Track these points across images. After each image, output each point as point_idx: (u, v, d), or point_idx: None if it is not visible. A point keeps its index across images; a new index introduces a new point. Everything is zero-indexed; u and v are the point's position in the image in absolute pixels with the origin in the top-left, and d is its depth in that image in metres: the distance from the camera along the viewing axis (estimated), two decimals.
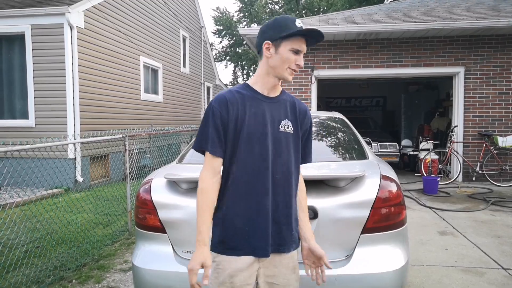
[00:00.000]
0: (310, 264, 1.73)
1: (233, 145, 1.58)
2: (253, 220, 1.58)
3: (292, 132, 1.66)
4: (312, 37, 1.59)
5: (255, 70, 40.57)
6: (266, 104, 1.62)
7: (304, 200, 1.77)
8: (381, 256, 2.13)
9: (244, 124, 1.57)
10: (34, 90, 7.81)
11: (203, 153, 1.61)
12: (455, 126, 8.40)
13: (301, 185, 1.78)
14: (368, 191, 2.16)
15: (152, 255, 2.27)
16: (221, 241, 1.60)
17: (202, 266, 1.48)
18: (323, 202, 2.12)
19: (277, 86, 1.65)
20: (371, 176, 2.25)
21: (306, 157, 1.78)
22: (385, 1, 21.62)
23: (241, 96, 1.60)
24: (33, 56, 7.79)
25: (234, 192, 1.59)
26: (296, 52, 1.57)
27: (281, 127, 1.63)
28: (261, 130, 1.59)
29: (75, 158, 7.67)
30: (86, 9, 8.12)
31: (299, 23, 1.56)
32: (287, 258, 1.66)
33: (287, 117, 1.66)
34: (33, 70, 7.80)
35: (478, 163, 8.18)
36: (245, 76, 42.11)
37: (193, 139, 3.19)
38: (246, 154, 1.57)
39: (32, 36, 7.77)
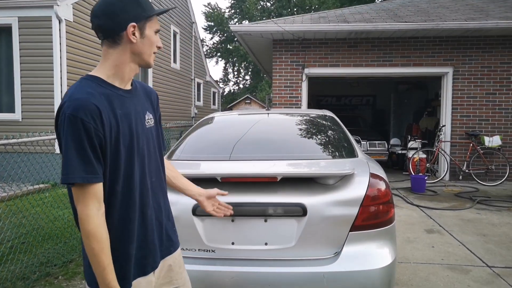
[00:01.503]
0: (215, 209, 1.77)
1: (112, 161, 1.28)
2: (142, 240, 1.39)
3: (153, 125, 1.47)
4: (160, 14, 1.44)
5: (246, 67, 40.60)
6: (128, 100, 1.36)
7: (175, 171, 1.73)
8: (369, 253, 2.14)
9: (119, 134, 1.28)
10: (21, 84, 7.69)
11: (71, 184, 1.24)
12: (443, 126, 8.50)
13: (169, 165, 1.70)
14: (357, 189, 2.17)
15: None
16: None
17: None
18: (312, 200, 2.13)
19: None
20: (360, 174, 2.27)
21: (163, 143, 1.60)
22: (376, 0, 21.74)
23: (105, 97, 1.27)
24: (20, 49, 7.67)
25: (120, 215, 1.32)
26: (157, 32, 1.39)
27: (147, 122, 1.43)
28: (135, 134, 1.34)
29: None
30: (75, 2, 8.01)
31: None
32: (176, 255, 1.58)
33: (148, 110, 1.46)
34: (20, 63, 7.67)
35: (465, 163, 8.30)
36: (235, 73, 41.98)
37: (183, 135, 3.17)
38: (127, 168, 1.31)
39: (19, 28, 7.64)
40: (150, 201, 1.42)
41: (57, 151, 7.47)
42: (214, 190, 1.77)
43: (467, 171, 8.24)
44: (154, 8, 1.39)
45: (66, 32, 7.71)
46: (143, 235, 1.40)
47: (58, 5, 7.40)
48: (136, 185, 1.35)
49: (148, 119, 1.44)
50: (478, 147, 8.16)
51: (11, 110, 7.78)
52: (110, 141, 1.26)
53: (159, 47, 1.40)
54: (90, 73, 1.34)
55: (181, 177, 1.75)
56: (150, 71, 11.70)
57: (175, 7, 1.52)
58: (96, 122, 1.22)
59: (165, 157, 1.68)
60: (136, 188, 1.35)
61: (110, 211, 1.30)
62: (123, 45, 1.32)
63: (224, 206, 1.82)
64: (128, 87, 1.40)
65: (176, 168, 1.75)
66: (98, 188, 1.24)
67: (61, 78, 7.61)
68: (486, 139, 8.12)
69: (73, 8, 7.93)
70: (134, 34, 1.32)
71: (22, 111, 7.70)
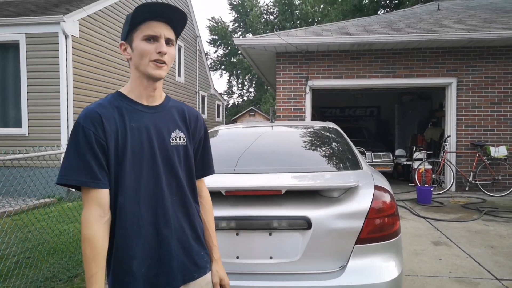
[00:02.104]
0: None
1: (116, 172, 1.29)
2: (158, 257, 1.35)
3: (185, 143, 1.44)
4: (166, 16, 1.32)
5: (250, 79, 40.87)
6: (149, 115, 1.36)
7: (210, 215, 1.59)
8: (375, 267, 2.12)
9: (127, 145, 1.29)
10: (28, 99, 7.78)
11: (77, 189, 1.28)
12: (448, 136, 8.46)
13: (206, 197, 1.60)
14: (362, 202, 2.16)
15: None
16: None
17: None
18: (317, 213, 2.12)
19: (156, 92, 1.39)
20: (365, 186, 2.26)
21: (207, 169, 1.58)
22: (378, 12, 21.91)
23: (116, 109, 1.31)
24: (27, 65, 7.78)
25: (124, 228, 1.29)
26: (151, 38, 1.31)
27: (172, 140, 1.40)
28: (148, 149, 1.33)
29: None
30: (81, 18, 8.15)
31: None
32: (202, 282, 1.48)
33: (178, 127, 1.43)
34: (27, 78, 7.78)
35: (471, 173, 8.23)
36: (239, 85, 42.24)
37: None
38: (133, 181, 1.30)
39: (26, 44, 7.77)
40: (170, 220, 1.37)
41: None
42: (216, 280, 1.55)
43: (473, 181, 8.17)
44: (139, 17, 1.33)
45: (72, 47, 7.83)
46: (156, 253, 1.34)
47: (64, 21, 7.53)
48: (145, 200, 1.32)
49: (174, 136, 1.41)
50: (484, 158, 8.11)
51: (18, 125, 7.86)
52: (116, 151, 1.28)
53: (159, 53, 1.31)
54: (119, 89, 1.42)
55: (211, 227, 1.58)
56: None
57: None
58: (97, 129, 1.25)
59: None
60: (145, 203, 1.32)
61: (114, 222, 1.30)
62: (130, 63, 1.37)
63: None
64: (154, 103, 1.40)
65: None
66: (101, 194, 1.25)
67: (67, 93, 7.70)
68: (492, 149, 8.07)
69: (79, 24, 8.07)
70: (126, 50, 1.36)
71: (28, 126, 7.78)
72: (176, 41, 1.43)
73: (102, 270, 1.24)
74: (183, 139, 1.43)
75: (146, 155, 1.33)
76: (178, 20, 1.36)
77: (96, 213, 1.24)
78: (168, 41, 1.35)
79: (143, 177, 1.32)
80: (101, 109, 1.29)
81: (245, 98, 43.86)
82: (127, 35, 1.34)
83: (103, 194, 1.26)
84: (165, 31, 1.33)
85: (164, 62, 1.33)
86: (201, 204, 1.57)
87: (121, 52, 1.39)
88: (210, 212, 1.60)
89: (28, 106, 7.78)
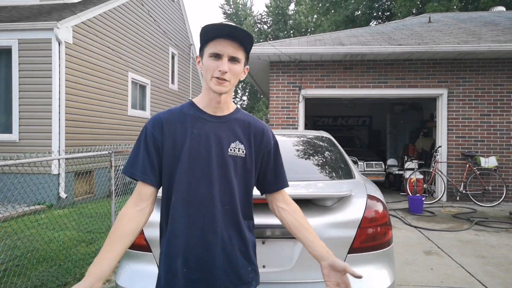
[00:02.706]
0: (333, 286, 1.41)
1: (171, 172, 1.39)
2: (200, 261, 1.38)
3: (244, 155, 1.45)
4: (232, 35, 1.36)
5: (243, 87, 40.98)
6: (212, 124, 1.44)
7: (303, 219, 1.55)
8: (367, 276, 2.13)
9: (184, 148, 1.38)
10: (19, 105, 7.71)
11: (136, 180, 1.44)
12: (439, 147, 8.55)
13: (293, 206, 1.59)
14: (354, 211, 2.18)
15: (137, 274, 2.22)
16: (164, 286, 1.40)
17: None
18: (310, 222, 2.10)
19: (221, 104, 1.45)
20: (358, 195, 2.27)
21: (282, 182, 1.58)
22: (371, 23, 22.20)
23: (182, 116, 1.43)
24: (19, 70, 7.72)
25: (174, 228, 1.39)
26: (216, 56, 1.36)
27: (230, 150, 1.43)
28: (205, 155, 1.39)
29: (59, 174, 7.53)
30: (75, 25, 8.13)
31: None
32: None
33: (238, 139, 1.46)
34: (19, 84, 7.71)
35: (462, 183, 8.31)
36: (233, 93, 42.21)
37: None
38: (186, 184, 1.38)
39: (19, 50, 7.72)
40: (217, 227, 1.39)
41: (54, 172, 7.43)
42: (342, 264, 1.38)
43: (464, 191, 8.24)
44: (210, 34, 1.38)
45: (66, 54, 7.79)
46: (199, 258, 1.38)
47: (58, 28, 7.51)
48: (195, 202, 1.38)
49: (233, 147, 1.44)
50: (474, 168, 8.20)
51: (9, 130, 7.78)
52: (173, 152, 1.39)
53: (220, 71, 1.35)
54: None
55: (305, 229, 1.51)
56: (148, 91, 11.79)
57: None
58: (156, 131, 1.40)
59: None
60: (194, 206, 1.38)
61: (167, 219, 1.43)
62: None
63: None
64: (220, 113, 1.46)
65: None
66: (144, 188, 1.40)
67: (59, 99, 7.65)
68: (482, 160, 8.16)
69: (73, 30, 8.05)
70: (199, 63, 1.45)
71: (19, 132, 7.70)
72: (246, 59, 1.46)
73: (114, 244, 1.32)
74: (243, 151, 1.46)
75: (202, 160, 1.39)
76: (245, 38, 1.38)
77: (132, 200, 1.40)
78: (233, 59, 1.38)
79: (196, 181, 1.39)
80: (166, 114, 1.44)
81: (238, 106, 43.82)
82: (201, 50, 1.43)
83: (146, 188, 1.40)
84: (230, 50, 1.36)
85: (225, 80, 1.37)
86: (291, 211, 1.56)
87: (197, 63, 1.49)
88: (303, 217, 1.56)
89: (19, 112, 7.71)
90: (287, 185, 1.61)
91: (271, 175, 1.56)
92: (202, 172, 1.39)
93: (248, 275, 1.47)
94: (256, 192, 2.25)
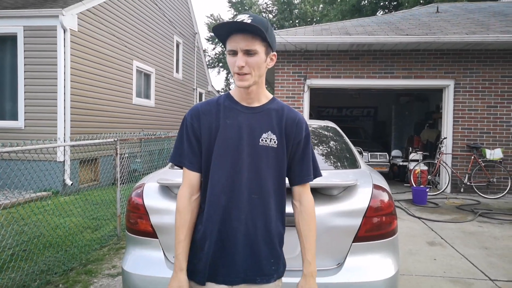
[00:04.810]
0: None
1: (207, 160, 1.46)
2: (223, 245, 1.44)
3: (275, 146, 1.46)
4: (242, 29, 1.35)
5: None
6: (245, 115, 1.46)
7: (306, 224, 1.54)
8: (372, 265, 2.14)
9: (218, 137, 1.44)
10: (25, 92, 7.73)
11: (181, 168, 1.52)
12: (444, 138, 8.51)
13: (304, 205, 1.55)
14: (360, 200, 2.18)
15: (143, 260, 2.25)
16: (191, 269, 1.46)
17: None
18: (315, 210, 2.13)
19: (252, 95, 1.46)
20: (364, 185, 2.27)
21: (306, 175, 1.54)
22: (377, 13, 21.95)
23: (217, 106, 1.49)
24: (24, 58, 7.73)
25: (206, 213, 1.45)
26: (233, 52, 1.38)
27: (262, 140, 1.44)
28: (236, 144, 1.43)
29: (64, 161, 7.58)
30: (80, 12, 8.10)
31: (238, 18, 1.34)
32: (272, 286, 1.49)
33: (271, 129, 1.47)
34: (24, 71, 7.73)
35: (467, 175, 8.29)
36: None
37: None
38: (218, 170, 1.43)
39: (24, 37, 7.71)
40: (241, 215, 1.43)
41: (59, 159, 7.48)
42: None
43: (468, 183, 8.23)
44: (223, 32, 1.38)
45: (71, 41, 7.78)
46: (222, 243, 1.44)
47: (63, 15, 7.48)
48: (224, 188, 1.43)
49: (265, 137, 1.46)
50: (479, 160, 8.16)
51: (14, 117, 7.81)
52: (208, 141, 1.45)
53: (237, 66, 1.37)
54: None
55: (303, 238, 1.54)
56: (152, 80, 11.78)
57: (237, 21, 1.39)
58: (194, 120, 1.48)
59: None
60: (223, 192, 1.43)
61: (202, 204, 1.49)
62: None
63: None
64: (253, 104, 1.49)
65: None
66: (192, 176, 1.48)
67: (64, 86, 7.66)
68: (488, 151, 8.12)
69: (78, 18, 8.02)
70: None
71: (25, 119, 7.73)
72: (267, 47, 1.42)
73: (188, 238, 1.45)
74: (274, 142, 1.46)
75: (233, 149, 1.43)
76: (255, 29, 1.34)
77: (187, 191, 1.47)
78: (248, 52, 1.37)
79: (227, 168, 1.43)
80: (203, 105, 1.51)
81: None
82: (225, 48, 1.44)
83: (194, 176, 1.48)
84: (242, 44, 1.35)
85: (245, 73, 1.38)
86: (300, 212, 1.55)
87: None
88: (309, 222, 1.54)
89: (25, 99, 7.73)
90: (319, 175, 1.59)
91: (299, 166, 1.54)
92: (232, 160, 1.43)
93: (270, 267, 1.47)
94: None
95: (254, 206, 1.44)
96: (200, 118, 1.47)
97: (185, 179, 1.49)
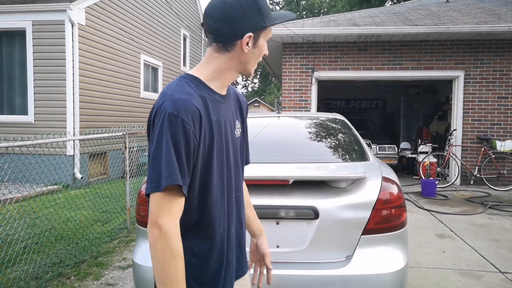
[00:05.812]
0: (256, 262, 1.52)
1: (205, 172, 1.16)
2: (220, 255, 1.24)
3: (240, 135, 1.35)
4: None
5: (254, 70, 40.72)
6: (223, 106, 1.25)
7: (248, 197, 1.52)
8: (381, 257, 2.14)
9: (213, 141, 1.17)
10: (34, 86, 7.80)
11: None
12: (454, 130, 8.42)
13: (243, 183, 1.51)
14: (369, 193, 2.17)
15: None
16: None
17: None
18: (324, 203, 2.13)
19: None
20: (373, 177, 2.27)
21: (247, 158, 1.46)
22: (386, 4, 21.68)
23: (202, 100, 1.15)
24: (33, 52, 7.78)
25: (206, 231, 1.20)
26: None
27: (236, 132, 1.30)
28: (225, 143, 1.23)
29: (74, 155, 7.66)
30: (88, 6, 8.12)
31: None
32: (247, 275, 1.45)
33: (237, 118, 1.33)
34: (33, 66, 7.79)
35: (476, 167, 8.21)
36: (244, 77, 42.06)
37: None
38: (218, 181, 1.20)
39: (33, 32, 7.76)
40: (233, 218, 1.29)
41: (69, 153, 7.56)
42: (265, 251, 1.49)
43: (478, 175, 8.15)
44: (272, 15, 1.23)
45: (79, 35, 7.81)
46: (223, 253, 1.25)
47: (71, 9, 7.50)
48: (224, 198, 1.23)
49: (237, 128, 1.31)
50: (489, 152, 8.08)
51: (24, 112, 7.90)
52: (204, 150, 1.14)
53: (265, 55, 1.27)
54: (190, 73, 1.22)
55: (249, 207, 1.50)
56: (160, 73, 11.80)
57: (294, 18, 1.33)
58: (195, 126, 1.10)
59: None
60: (224, 202, 1.23)
61: (199, 225, 1.21)
62: (232, 53, 1.20)
63: (264, 273, 1.52)
64: (224, 92, 1.26)
65: None
66: (183, 200, 1.11)
67: (73, 80, 7.71)
68: (498, 143, 8.03)
69: (85, 12, 8.04)
70: (247, 44, 1.19)
71: (34, 113, 7.81)
72: None
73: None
74: (240, 131, 1.34)
75: (224, 150, 1.22)
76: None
77: (177, 217, 1.10)
78: None
79: (224, 176, 1.23)
80: (196, 101, 1.11)
81: (250, 89, 43.72)
82: (258, 29, 1.20)
83: (183, 200, 1.12)
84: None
85: None
86: (244, 188, 1.52)
87: (239, 42, 1.19)
88: (247, 196, 1.52)
89: (34, 93, 7.80)
90: (249, 162, 1.49)
91: (245, 149, 1.44)
92: (227, 164, 1.24)
93: (246, 260, 1.45)
94: (271, 173, 2.27)
95: (239, 204, 1.33)
96: (202, 122, 1.12)
97: (176, 208, 1.08)
